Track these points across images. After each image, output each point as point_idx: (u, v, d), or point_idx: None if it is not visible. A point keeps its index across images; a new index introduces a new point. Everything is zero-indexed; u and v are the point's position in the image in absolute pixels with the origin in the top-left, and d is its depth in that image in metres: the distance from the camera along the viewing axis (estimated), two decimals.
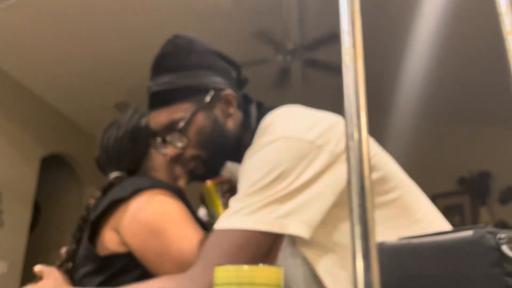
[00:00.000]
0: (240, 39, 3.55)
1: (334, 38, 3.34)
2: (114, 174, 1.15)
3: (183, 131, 0.97)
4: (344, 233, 0.89)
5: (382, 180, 0.90)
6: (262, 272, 0.56)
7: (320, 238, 0.88)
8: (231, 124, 1.01)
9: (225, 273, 0.57)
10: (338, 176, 0.86)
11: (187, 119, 0.96)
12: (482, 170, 4.48)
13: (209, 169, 1.01)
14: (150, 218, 0.99)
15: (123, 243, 1.01)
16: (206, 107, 0.98)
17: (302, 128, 0.89)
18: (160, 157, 1.16)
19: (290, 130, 0.88)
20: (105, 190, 1.13)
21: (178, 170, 1.16)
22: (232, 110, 1.01)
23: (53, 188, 4.70)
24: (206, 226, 1.08)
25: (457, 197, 4.61)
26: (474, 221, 4.46)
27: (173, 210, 1.01)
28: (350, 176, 0.46)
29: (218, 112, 0.99)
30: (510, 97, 0.65)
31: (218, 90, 0.99)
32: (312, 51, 3.64)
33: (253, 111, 1.04)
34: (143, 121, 1.18)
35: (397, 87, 4.04)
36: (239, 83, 1.08)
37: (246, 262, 0.80)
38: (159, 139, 1.01)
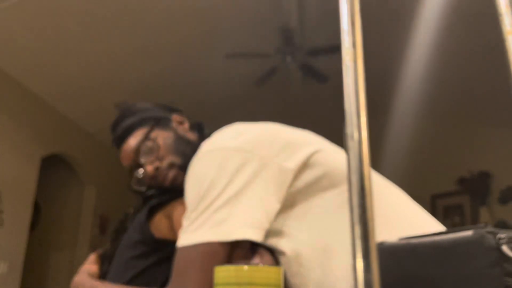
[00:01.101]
0: (240, 37, 3.55)
1: (335, 49, 3.35)
2: (151, 191, 1.23)
3: (151, 146, 1.11)
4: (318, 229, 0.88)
5: (325, 176, 0.90)
6: (262, 272, 0.56)
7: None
8: (191, 137, 1.16)
9: (225, 273, 0.57)
10: (276, 173, 0.87)
11: (149, 134, 1.12)
12: (482, 170, 4.48)
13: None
14: None
15: (173, 229, 1.07)
16: (162, 125, 1.15)
17: (227, 139, 0.92)
18: None
19: (214, 143, 0.93)
20: (145, 200, 1.20)
21: None
22: (186, 126, 1.18)
23: (53, 188, 4.70)
24: None
25: (457, 197, 4.61)
26: (474, 221, 4.46)
27: None
28: (350, 176, 0.46)
29: (176, 127, 1.16)
30: (510, 97, 0.65)
31: (167, 116, 1.18)
32: (312, 57, 3.64)
33: (206, 130, 1.18)
34: None
35: (397, 87, 4.04)
36: None
37: (205, 275, 0.82)
38: (136, 172, 1.13)
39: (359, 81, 0.49)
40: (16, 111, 3.85)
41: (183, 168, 1.06)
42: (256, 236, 0.84)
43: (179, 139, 1.13)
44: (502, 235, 0.54)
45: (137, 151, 1.12)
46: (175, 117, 1.18)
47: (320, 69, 3.70)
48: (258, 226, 0.84)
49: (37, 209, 4.39)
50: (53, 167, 4.49)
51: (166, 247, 1.05)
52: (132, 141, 1.14)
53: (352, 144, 0.47)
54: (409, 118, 4.37)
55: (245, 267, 0.57)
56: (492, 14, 0.66)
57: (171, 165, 1.10)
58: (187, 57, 3.84)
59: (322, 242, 0.87)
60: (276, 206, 0.87)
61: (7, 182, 3.69)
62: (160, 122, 1.15)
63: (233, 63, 3.76)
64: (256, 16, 3.53)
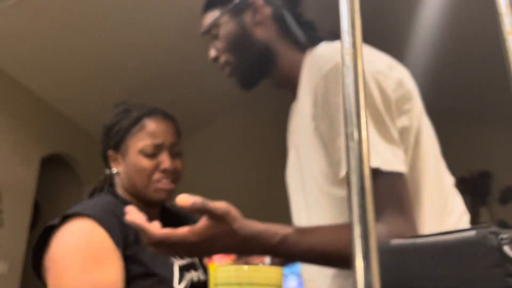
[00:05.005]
0: None
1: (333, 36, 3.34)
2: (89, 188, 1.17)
3: (215, 35, 1.02)
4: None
5: (403, 97, 0.93)
6: (262, 272, 0.56)
7: None
8: (260, 32, 1.00)
9: (225, 273, 0.57)
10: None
11: (214, 23, 1.00)
12: (482, 170, 4.48)
13: (239, 77, 1.02)
14: (54, 255, 0.96)
15: None
16: (233, 12, 1.00)
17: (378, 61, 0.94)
18: (133, 154, 1.12)
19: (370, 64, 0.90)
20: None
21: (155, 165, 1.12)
22: (259, 17, 1.00)
23: (53, 188, 4.70)
24: None
25: None
26: (474, 221, 4.43)
27: (80, 247, 0.95)
28: (350, 176, 0.46)
29: (246, 18, 1.00)
30: (510, 97, 0.65)
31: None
32: None
33: (294, 27, 1.02)
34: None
35: None
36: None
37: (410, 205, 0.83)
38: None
39: (359, 81, 0.49)
40: (16, 111, 3.84)
41: (236, 69, 1.01)
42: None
43: (243, 36, 1.00)
44: (505, 235, 0.54)
45: (206, 33, 1.03)
46: (253, 2, 1.00)
47: None
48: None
49: (37, 209, 4.39)
50: (53, 167, 4.49)
51: None
52: (205, 20, 1.04)
53: (352, 144, 0.46)
54: None
55: (245, 267, 0.56)
56: (492, 14, 0.66)
57: (226, 63, 1.02)
58: (186, 57, 3.84)
59: None
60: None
61: (7, 182, 3.68)
62: (233, 8, 1.00)
63: None
64: None
